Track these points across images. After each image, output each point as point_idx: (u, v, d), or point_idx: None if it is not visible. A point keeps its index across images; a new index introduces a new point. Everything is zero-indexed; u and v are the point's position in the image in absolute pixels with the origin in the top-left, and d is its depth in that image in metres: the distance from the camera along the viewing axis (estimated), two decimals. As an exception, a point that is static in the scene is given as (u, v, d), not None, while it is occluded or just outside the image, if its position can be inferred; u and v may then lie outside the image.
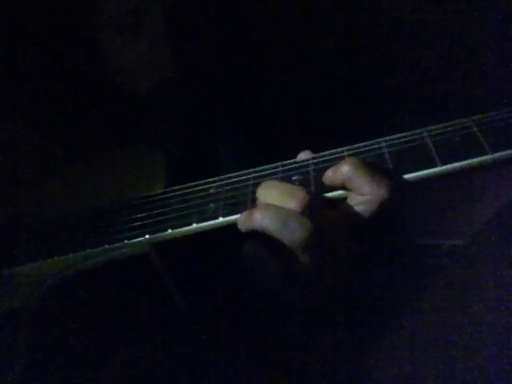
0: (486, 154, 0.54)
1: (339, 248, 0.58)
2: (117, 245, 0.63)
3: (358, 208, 0.57)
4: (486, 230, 0.62)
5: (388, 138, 0.60)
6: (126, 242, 0.63)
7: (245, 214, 0.58)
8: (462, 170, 0.55)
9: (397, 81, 0.84)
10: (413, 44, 0.83)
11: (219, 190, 0.63)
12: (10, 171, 0.76)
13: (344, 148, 0.61)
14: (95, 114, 0.81)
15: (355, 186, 0.56)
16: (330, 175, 0.57)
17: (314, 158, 0.62)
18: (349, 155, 0.59)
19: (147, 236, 0.62)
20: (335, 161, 0.60)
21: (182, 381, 0.70)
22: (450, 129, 0.58)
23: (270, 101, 0.86)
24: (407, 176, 0.56)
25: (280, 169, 0.62)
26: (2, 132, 0.79)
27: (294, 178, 0.60)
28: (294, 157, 0.63)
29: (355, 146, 0.61)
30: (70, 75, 0.79)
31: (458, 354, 0.56)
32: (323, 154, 0.62)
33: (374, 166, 0.56)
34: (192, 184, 0.66)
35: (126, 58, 0.80)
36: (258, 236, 0.60)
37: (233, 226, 0.60)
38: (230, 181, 0.64)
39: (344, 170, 0.56)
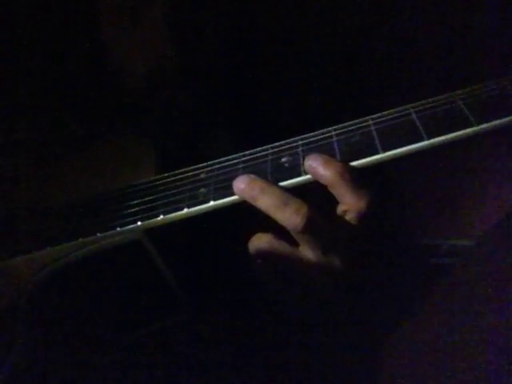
0: (472, 126, 0.55)
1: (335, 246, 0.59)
2: (109, 233, 0.63)
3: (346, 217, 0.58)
4: (490, 232, 0.63)
5: (375, 115, 0.61)
6: (118, 229, 0.63)
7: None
8: (449, 144, 0.56)
9: (383, 59, 0.84)
10: (397, 23, 0.83)
11: (210, 174, 0.64)
12: (4, 166, 0.76)
13: (332, 128, 0.62)
14: (87, 105, 0.81)
15: (337, 193, 0.57)
16: (316, 171, 0.57)
17: (302, 139, 0.62)
18: (341, 160, 0.58)
19: (139, 223, 0.63)
20: (324, 141, 0.60)
21: (179, 373, 0.70)
22: (435, 104, 0.59)
23: (259, 86, 0.87)
24: (396, 151, 0.57)
25: (269, 151, 0.63)
26: None
27: (283, 160, 0.61)
28: (284, 138, 0.63)
29: (343, 124, 0.62)
30: (66, 63, 0.79)
31: (458, 353, 0.56)
32: (311, 134, 0.62)
33: (358, 176, 0.57)
34: (183, 170, 0.66)
35: (123, 45, 0.80)
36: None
37: (225, 209, 0.61)
38: (220, 165, 0.64)
39: (329, 177, 0.56)
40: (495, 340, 0.54)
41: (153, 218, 0.62)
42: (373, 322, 0.68)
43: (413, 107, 0.59)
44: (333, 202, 0.59)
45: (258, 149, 0.64)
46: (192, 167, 0.66)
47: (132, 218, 0.63)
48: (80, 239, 0.64)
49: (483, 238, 0.64)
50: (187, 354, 0.71)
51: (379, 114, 0.61)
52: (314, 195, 0.58)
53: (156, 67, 0.81)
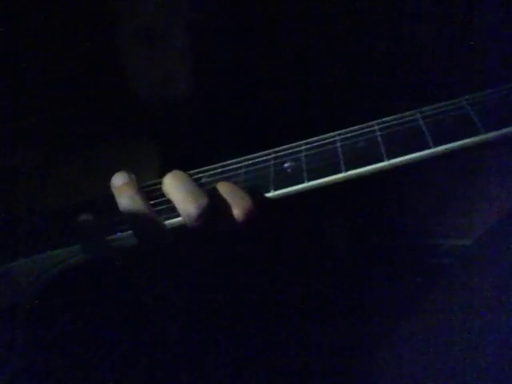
0: (480, 133, 0.53)
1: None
2: (110, 237, 0.63)
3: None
4: (490, 232, 0.63)
5: (380, 120, 0.59)
6: (118, 234, 0.63)
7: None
8: (457, 152, 0.54)
9: (390, 63, 0.84)
10: (404, 27, 0.83)
11: (211, 179, 0.63)
12: (5, 169, 0.76)
13: (336, 132, 0.60)
14: (91, 111, 0.81)
15: (172, 200, 0.59)
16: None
17: (305, 144, 0.61)
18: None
19: None
20: (327, 146, 0.59)
21: (180, 378, 0.70)
22: (443, 109, 0.57)
23: (262, 89, 0.87)
24: (400, 159, 0.55)
25: (272, 156, 0.62)
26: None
27: (285, 165, 0.60)
28: (287, 142, 0.63)
29: (347, 129, 0.60)
30: (70, 67, 0.80)
31: (458, 353, 0.56)
32: (315, 139, 0.61)
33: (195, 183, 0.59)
34: None
35: (141, 69, 0.81)
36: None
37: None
38: (221, 169, 0.63)
39: (165, 185, 0.59)
40: (495, 340, 0.54)
41: None
42: (373, 322, 0.68)
43: (420, 112, 0.58)
44: None
45: (260, 153, 0.63)
46: (193, 171, 0.65)
47: None
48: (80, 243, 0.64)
49: (483, 238, 0.64)
50: (187, 354, 0.71)
51: (385, 119, 0.59)
52: None
53: (171, 88, 0.82)
